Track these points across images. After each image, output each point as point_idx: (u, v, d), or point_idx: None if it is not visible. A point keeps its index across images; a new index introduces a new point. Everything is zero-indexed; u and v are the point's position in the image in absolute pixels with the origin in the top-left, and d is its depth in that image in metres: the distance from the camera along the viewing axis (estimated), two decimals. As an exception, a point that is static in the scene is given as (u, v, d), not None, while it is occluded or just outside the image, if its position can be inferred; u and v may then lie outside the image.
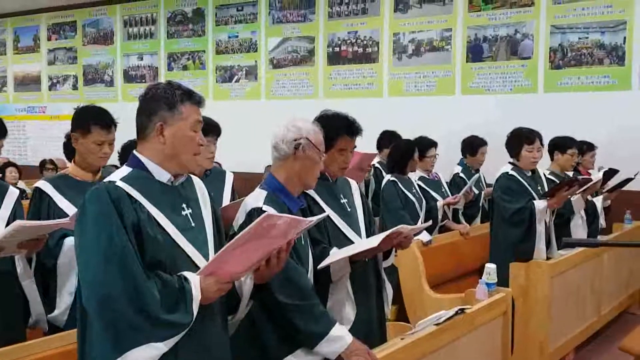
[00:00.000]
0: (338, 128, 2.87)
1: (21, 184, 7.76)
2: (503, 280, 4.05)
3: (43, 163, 8.67)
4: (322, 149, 2.69)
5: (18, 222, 2.69)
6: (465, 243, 5.66)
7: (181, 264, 2.13)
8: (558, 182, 5.43)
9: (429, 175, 5.98)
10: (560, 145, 5.68)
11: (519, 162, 5.09)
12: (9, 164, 8.32)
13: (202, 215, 2.29)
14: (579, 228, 5.66)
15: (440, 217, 5.71)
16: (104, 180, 2.18)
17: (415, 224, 4.78)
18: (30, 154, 11.04)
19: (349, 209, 2.99)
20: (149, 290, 2.00)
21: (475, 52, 7.57)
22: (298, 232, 2.31)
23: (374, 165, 6.67)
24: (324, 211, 2.80)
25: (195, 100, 2.25)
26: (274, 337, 2.55)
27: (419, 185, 5.80)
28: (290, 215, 2.23)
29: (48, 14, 11.04)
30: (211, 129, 3.46)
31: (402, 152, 5.59)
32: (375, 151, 6.71)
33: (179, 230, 2.16)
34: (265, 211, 2.43)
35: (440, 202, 5.74)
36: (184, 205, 2.23)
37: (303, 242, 2.69)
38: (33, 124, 11.33)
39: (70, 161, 4.16)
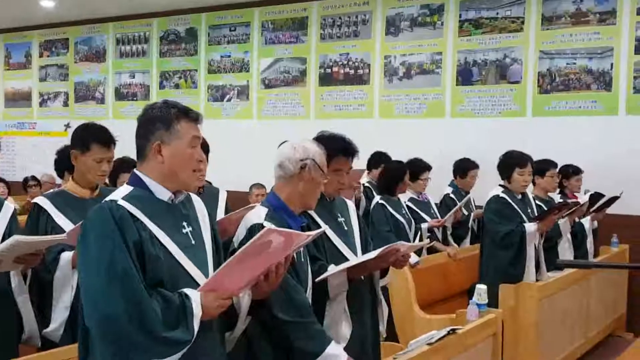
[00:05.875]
0: (334, 149, 2.91)
1: (9, 200, 7.73)
2: (492, 301, 4.09)
3: (26, 180, 8.68)
4: (325, 171, 2.74)
5: (16, 237, 2.70)
6: (453, 265, 5.71)
7: (182, 282, 2.15)
8: (544, 205, 5.50)
9: (419, 197, 6.05)
10: (538, 169, 5.67)
11: (510, 184, 5.16)
12: (-2, 179, 8.31)
13: (201, 233, 2.32)
14: (566, 251, 5.72)
15: (426, 239, 5.74)
16: (106, 199, 2.19)
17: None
18: (18, 170, 10.99)
19: (346, 228, 3.04)
20: (151, 308, 2.02)
21: (464, 76, 7.67)
22: (297, 247, 2.35)
23: (364, 184, 6.75)
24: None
25: (192, 117, 2.28)
26: (270, 354, 2.56)
27: (408, 206, 5.86)
28: (289, 230, 2.27)
29: (40, 30, 11.04)
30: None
31: (394, 173, 5.66)
32: (364, 169, 6.79)
33: (180, 248, 2.19)
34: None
35: (425, 225, 5.79)
36: (184, 224, 2.26)
37: (302, 260, 2.72)
38: (22, 140, 11.30)
39: (61, 177, 4.20)
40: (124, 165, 4.19)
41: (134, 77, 10.16)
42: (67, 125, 10.54)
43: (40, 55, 11.15)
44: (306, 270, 2.75)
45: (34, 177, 8.64)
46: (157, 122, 2.23)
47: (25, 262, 2.84)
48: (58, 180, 8.41)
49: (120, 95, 10.30)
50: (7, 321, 3.01)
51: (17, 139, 11.34)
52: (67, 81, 10.86)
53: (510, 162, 5.17)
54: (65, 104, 10.89)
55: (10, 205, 3.17)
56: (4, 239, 2.90)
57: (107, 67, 10.43)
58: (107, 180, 3.94)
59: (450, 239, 6.19)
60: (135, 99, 10.09)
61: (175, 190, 2.26)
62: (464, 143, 7.24)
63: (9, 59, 11.54)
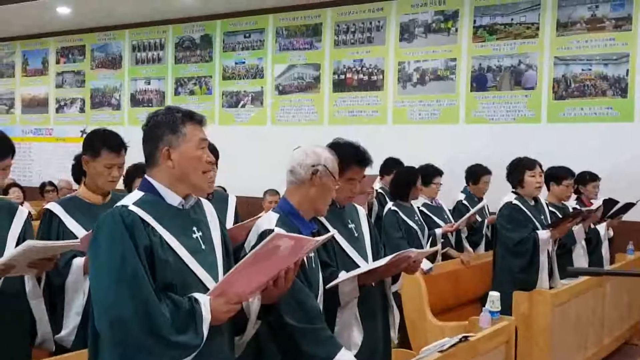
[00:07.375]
0: (349, 158, 2.90)
1: (26, 205, 7.79)
2: (505, 309, 4.07)
3: (43, 185, 8.76)
4: (337, 177, 2.74)
5: (29, 242, 2.71)
6: (466, 271, 5.68)
7: (191, 287, 2.16)
8: (558, 212, 5.46)
9: (432, 202, 6.04)
10: (555, 176, 5.63)
11: (523, 189, 5.13)
12: (13, 184, 8.36)
13: (211, 238, 2.32)
14: (580, 258, 5.67)
15: (440, 244, 5.72)
16: (117, 205, 2.21)
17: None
18: (35, 176, 11.09)
19: (356, 234, 3.03)
20: (160, 313, 2.03)
21: (479, 82, 7.65)
22: (306, 252, 2.35)
23: (377, 190, 6.73)
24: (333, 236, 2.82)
25: (197, 120, 2.30)
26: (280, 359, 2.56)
27: (422, 211, 5.84)
28: (298, 235, 2.27)
29: (57, 37, 11.16)
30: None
31: (405, 179, 5.64)
32: (376, 175, 6.78)
33: (190, 252, 2.20)
34: (277, 233, 2.46)
35: (439, 231, 5.77)
36: (194, 228, 2.27)
37: (313, 266, 2.72)
38: (39, 146, 11.41)
39: (78, 183, 4.22)
40: (139, 170, 4.19)
41: (149, 83, 10.24)
42: (84, 131, 10.62)
43: (57, 62, 11.26)
44: (317, 276, 2.74)
45: (51, 183, 8.73)
46: (164, 127, 2.25)
47: (39, 267, 2.86)
48: (75, 186, 8.49)
49: (135, 101, 10.38)
50: (21, 325, 3.02)
51: (33, 144, 11.44)
52: (84, 87, 10.96)
53: (519, 166, 5.15)
54: (82, 110, 10.98)
55: (24, 210, 3.18)
56: (18, 244, 2.92)
57: (123, 74, 10.51)
58: (122, 186, 3.95)
59: (466, 243, 6.15)
60: (150, 105, 10.15)
61: (185, 194, 2.28)
62: (478, 149, 7.21)
63: (26, 65, 11.67)
